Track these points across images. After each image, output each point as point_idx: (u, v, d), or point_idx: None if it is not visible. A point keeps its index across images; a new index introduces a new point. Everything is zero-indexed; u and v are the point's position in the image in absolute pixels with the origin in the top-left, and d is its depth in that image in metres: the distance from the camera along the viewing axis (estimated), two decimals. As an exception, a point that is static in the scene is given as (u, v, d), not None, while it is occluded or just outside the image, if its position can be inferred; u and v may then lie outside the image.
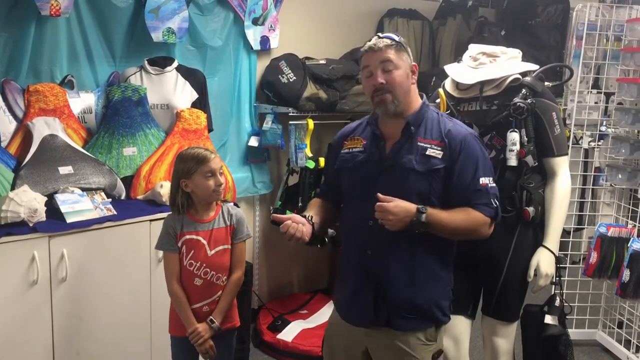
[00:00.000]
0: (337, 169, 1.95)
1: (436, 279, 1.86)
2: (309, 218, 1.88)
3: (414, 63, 1.85)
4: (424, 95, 1.92)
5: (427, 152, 1.78)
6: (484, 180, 1.80)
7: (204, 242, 2.12)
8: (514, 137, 2.14)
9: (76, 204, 2.35)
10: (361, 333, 1.89)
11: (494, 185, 1.83)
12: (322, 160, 3.34)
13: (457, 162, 1.78)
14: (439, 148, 1.79)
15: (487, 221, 1.81)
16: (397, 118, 1.83)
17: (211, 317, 2.12)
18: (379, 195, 1.74)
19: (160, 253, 2.42)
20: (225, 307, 2.15)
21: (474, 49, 2.34)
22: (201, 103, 2.98)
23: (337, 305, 2.00)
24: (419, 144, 1.80)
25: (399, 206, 1.72)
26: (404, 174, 1.78)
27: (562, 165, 2.22)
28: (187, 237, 2.11)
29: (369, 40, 1.84)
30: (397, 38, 1.82)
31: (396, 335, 1.83)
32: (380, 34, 1.85)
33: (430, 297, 1.84)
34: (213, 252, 2.13)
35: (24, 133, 2.51)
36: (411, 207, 1.72)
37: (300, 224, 1.83)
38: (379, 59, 1.79)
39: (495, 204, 1.81)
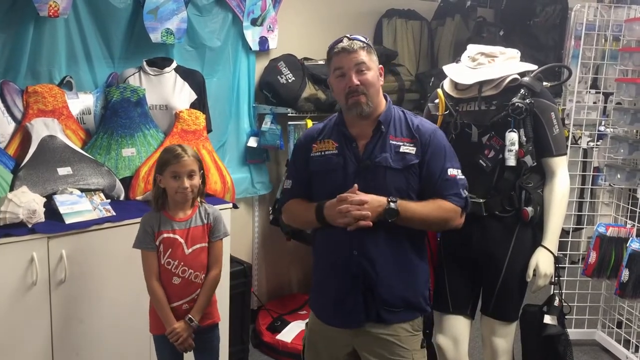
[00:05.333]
0: (311, 172, 1.95)
1: (418, 270, 1.92)
2: None
3: (380, 65, 1.91)
4: (388, 96, 1.96)
5: (401, 150, 1.85)
6: (452, 172, 1.87)
7: (181, 240, 2.12)
8: (512, 137, 2.14)
9: (75, 205, 2.34)
10: (348, 334, 1.90)
11: (463, 177, 1.90)
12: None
13: (427, 155, 1.85)
14: (411, 144, 1.85)
15: (457, 211, 1.87)
16: (366, 118, 1.87)
17: (189, 315, 2.13)
18: (355, 189, 1.78)
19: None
20: (203, 304, 2.16)
21: (472, 49, 2.34)
22: (200, 104, 2.98)
23: (317, 311, 2.00)
24: (391, 142, 1.86)
25: (371, 196, 1.78)
26: (381, 172, 1.83)
27: (560, 165, 2.22)
28: (165, 235, 2.12)
29: (340, 41, 1.86)
30: (366, 40, 1.87)
31: (385, 330, 1.86)
32: (349, 35, 1.87)
33: (416, 288, 1.91)
34: (190, 250, 2.14)
35: (23, 134, 2.50)
36: (381, 197, 1.79)
37: None
38: (353, 61, 1.82)
39: (465, 194, 1.89)
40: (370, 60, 1.85)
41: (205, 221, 2.18)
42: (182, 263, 2.12)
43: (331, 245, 1.92)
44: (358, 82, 1.81)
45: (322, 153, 1.92)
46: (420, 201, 1.84)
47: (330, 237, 1.91)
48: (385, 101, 1.93)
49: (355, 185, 1.79)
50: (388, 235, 1.83)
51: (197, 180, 2.12)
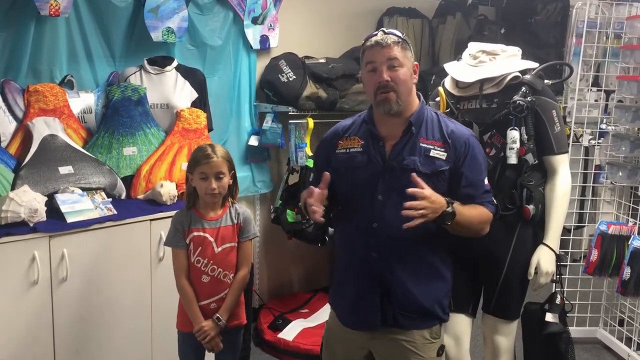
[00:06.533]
0: (334, 169, 1.87)
1: (439, 278, 1.87)
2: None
3: (415, 62, 1.83)
4: (422, 96, 1.89)
5: (431, 154, 1.77)
6: (486, 180, 1.86)
7: (211, 239, 2.14)
8: (514, 135, 2.14)
9: (76, 204, 2.35)
10: (364, 337, 1.88)
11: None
12: (322, 159, 3.33)
13: (465, 164, 1.79)
14: (442, 149, 1.78)
15: (491, 217, 1.86)
16: (396, 117, 1.80)
17: (217, 314, 2.14)
18: (419, 181, 1.67)
19: (161, 252, 2.45)
20: (231, 304, 2.17)
21: (473, 47, 2.34)
22: (201, 102, 2.98)
23: (336, 310, 1.97)
24: (421, 144, 1.78)
25: (434, 194, 1.68)
26: (407, 175, 1.73)
27: (562, 163, 2.22)
28: (195, 234, 2.14)
29: (375, 35, 1.79)
30: (402, 35, 1.80)
31: (402, 335, 1.82)
32: (385, 29, 1.79)
33: (434, 296, 1.85)
34: (220, 249, 2.15)
35: (24, 133, 2.51)
36: (442, 197, 1.69)
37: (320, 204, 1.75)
38: (386, 56, 1.74)
39: (495, 201, 1.90)
40: (404, 57, 1.76)
41: (236, 221, 2.19)
42: (211, 262, 2.14)
43: (350, 246, 1.89)
44: (389, 78, 1.74)
45: (347, 150, 1.87)
46: (465, 205, 1.77)
47: (350, 237, 1.88)
48: (418, 101, 1.85)
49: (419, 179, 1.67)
50: (411, 241, 1.77)
51: (226, 181, 2.13)
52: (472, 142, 1.83)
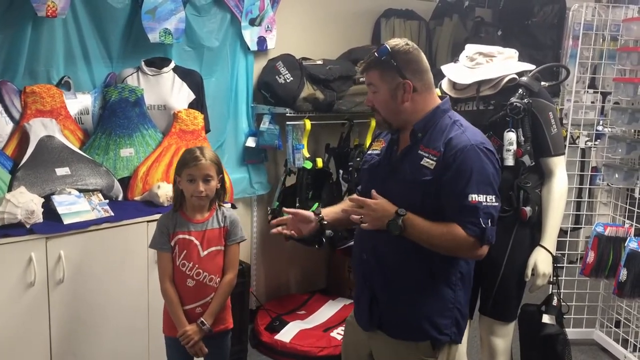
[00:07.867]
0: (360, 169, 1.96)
1: (429, 293, 1.75)
2: (319, 214, 1.90)
3: (407, 80, 1.69)
4: (444, 99, 1.81)
5: (422, 162, 1.69)
6: (474, 197, 1.63)
7: (197, 242, 2.12)
8: (510, 137, 2.15)
9: (73, 205, 2.34)
10: (365, 335, 1.89)
11: (492, 204, 1.65)
12: (319, 161, 3.34)
13: (448, 174, 1.65)
14: (433, 158, 1.68)
15: (469, 240, 1.64)
16: (408, 125, 1.78)
17: (202, 318, 2.11)
18: (373, 192, 1.73)
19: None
20: (216, 308, 2.14)
21: (470, 49, 2.34)
22: (198, 104, 2.98)
23: None
24: (419, 152, 1.71)
25: (380, 204, 1.70)
26: (400, 182, 1.74)
27: (559, 165, 2.23)
28: (180, 236, 2.12)
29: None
30: (385, 53, 1.70)
31: (394, 344, 1.80)
32: (380, 46, 1.73)
33: (419, 310, 1.75)
34: (206, 253, 2.13)
35: (21, 134, 2.50)
36: (391, 208, 1.68)
37: (300, 221, 1.91)
38: (366, 80, 1.79)
39: (485, 224, 1.63)
40: (381, 81, 1.72)
41: (222, 224, 2.17)
42: (196, 265, 2.11)
43: (355, 245, 1.95)
44: (369, 103, 1.79)
45: (372, 152, 1.91)
46: (435, 221, 1.66)
47: (356, 237, 1.94)
48: (428, 110, 1.75)
49: (373, 190, 1.73)
50: (401, 247, 1.71)
51: (213, 185, 2.12)
52: (467, 151, 1.64)
